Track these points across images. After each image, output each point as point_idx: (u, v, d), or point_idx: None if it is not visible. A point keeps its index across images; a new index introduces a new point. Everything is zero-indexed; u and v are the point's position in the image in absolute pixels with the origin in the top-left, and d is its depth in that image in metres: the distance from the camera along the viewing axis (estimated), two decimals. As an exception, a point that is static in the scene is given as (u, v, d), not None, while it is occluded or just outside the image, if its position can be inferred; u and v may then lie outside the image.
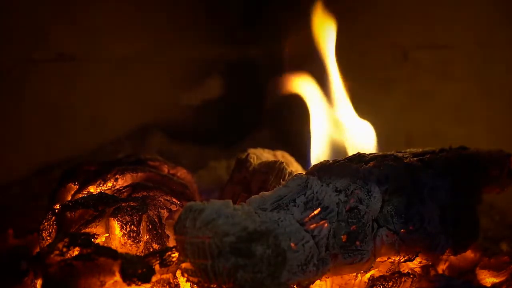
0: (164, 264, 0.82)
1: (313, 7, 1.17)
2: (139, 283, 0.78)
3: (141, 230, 0.91)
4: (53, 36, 1.45)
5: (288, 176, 0.98)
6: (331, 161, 0.91)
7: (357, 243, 0.83)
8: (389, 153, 0.92)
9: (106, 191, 0.98)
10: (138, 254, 0.89)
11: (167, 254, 0.82)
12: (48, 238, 0.92)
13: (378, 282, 0.89)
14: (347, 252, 0.83)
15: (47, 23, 1.43)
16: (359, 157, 0.92)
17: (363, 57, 1.18)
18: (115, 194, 0.98)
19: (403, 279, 0.88)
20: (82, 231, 0.89)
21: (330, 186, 0.86)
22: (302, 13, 1.21)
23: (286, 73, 1.19)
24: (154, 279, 0.79)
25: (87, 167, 1.04)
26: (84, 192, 0.99)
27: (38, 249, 0.96)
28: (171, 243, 0.93)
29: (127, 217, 0.91)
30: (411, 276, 0.89)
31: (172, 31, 1.67)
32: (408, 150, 0.94)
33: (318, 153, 1.12)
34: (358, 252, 0.83)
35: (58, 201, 1.00)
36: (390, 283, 0.88)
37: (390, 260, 0.89)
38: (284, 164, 1.00)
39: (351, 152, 1.10)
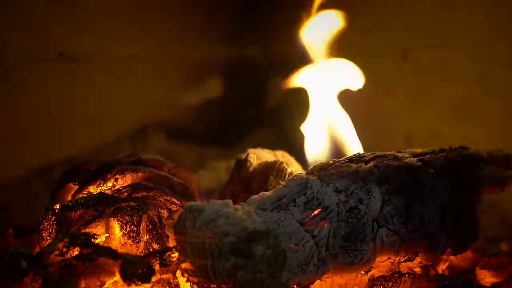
0: (164, 264, 0.82)
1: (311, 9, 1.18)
2: (139, 283, 0.78)
3: (141, 230, 0.91)
4: (53, 36, 1.45)
5: (288, 176, 0.98)
6: (331, 161, 0.91)
7: (357, 243, 0.83)
8: (389, 153, 0.92)
9: (106, 191, 0.98)
10: (138, 254, 0.89)
11: (167, 254, 0.82)
12: (48, 238, 0.92)
13: (378, 282, 0.88)
14: (347, 252, 0.83)
15: (47, 23, 1.43)
16: (359, 157, 0.91)
17: (363, 57, 1.18)
18: (115, 194, 0.98)
19: (403, 279, 0.88)
20: (82, 231, 0.89)
21: (330, 186, 0.86)
22: (302, 13, 1.21)
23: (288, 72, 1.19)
24: (154, 279, 0.79)
25: (87, 167, 1.05)
26: (84, 192, 0.99)
27: (38, 249, 0.96)
28: (171, 243, 0.93)
29: (127, 217, 0.91)
30: (411, 276, 0.89)
31: (172, 31, 1.67)
32: (408, 150, 0.94)
33: (315, 151, 1.12)
34: (358, 252, 0.83)
35: (58, 201, 1.00)
36: (390, 283, 0.88)
37: (390, 260, 0.89)
38: (284, 164, 1.00)
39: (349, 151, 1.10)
